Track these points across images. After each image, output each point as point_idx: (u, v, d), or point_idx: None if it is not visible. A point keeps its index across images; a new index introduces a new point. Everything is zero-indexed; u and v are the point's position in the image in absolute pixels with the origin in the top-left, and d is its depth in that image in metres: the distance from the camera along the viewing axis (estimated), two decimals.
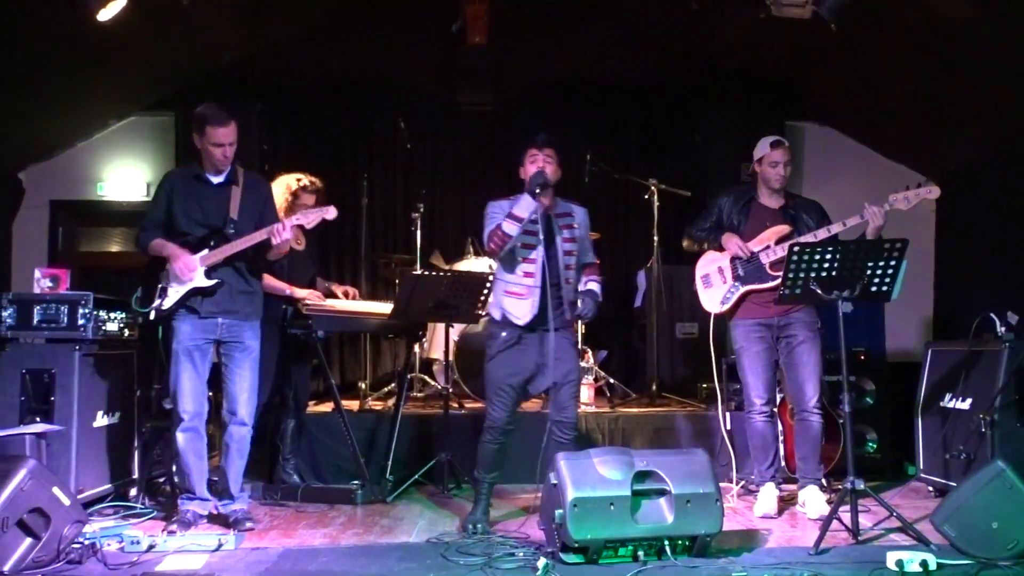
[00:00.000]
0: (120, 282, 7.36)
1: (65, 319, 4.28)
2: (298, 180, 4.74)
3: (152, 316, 3.93)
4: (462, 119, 7.13)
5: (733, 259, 4.36)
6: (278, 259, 4.07)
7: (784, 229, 4.30)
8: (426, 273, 4.87)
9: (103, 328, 4.46)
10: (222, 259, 3.88)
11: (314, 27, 7.06)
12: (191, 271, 3.85)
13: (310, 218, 3.92)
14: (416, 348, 6.00)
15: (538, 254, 3.84)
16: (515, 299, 3.89)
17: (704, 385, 5.74)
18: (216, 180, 3.98)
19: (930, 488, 4.66)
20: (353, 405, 5.69)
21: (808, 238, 4.13)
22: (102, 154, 7.25)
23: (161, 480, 4.79)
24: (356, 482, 4.63)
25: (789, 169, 4.36)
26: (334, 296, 5.00)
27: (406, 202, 6.80)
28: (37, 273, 4.48)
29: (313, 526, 4.11)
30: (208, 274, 3.88)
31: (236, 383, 3.97)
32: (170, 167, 7.14)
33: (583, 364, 5.80)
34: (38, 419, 4.12)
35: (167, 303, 3.89)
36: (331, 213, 3.95)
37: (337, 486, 4.76)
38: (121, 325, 4.63)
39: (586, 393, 5.65)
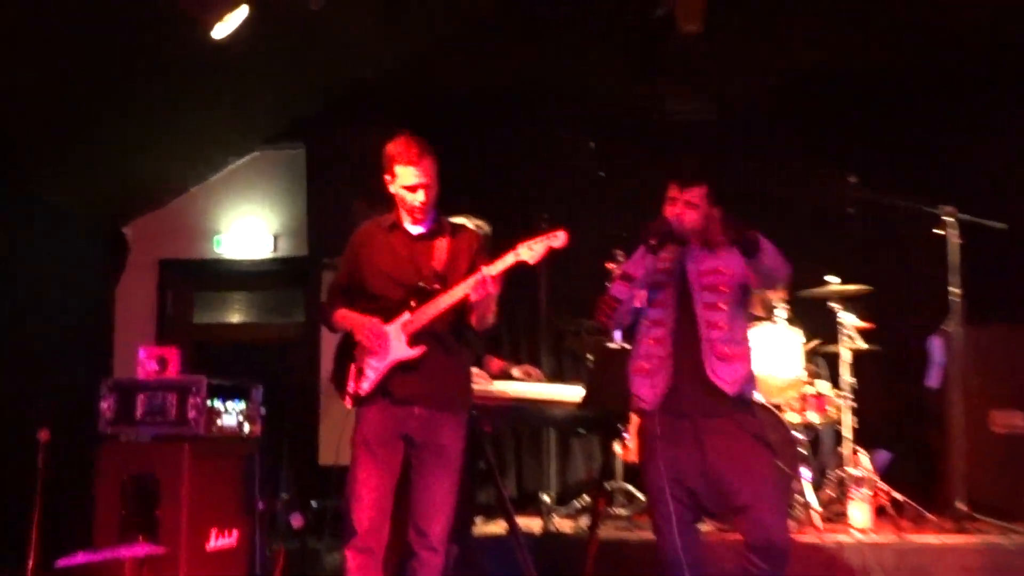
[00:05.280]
0: (242, 361, 7.82)
1: (173, 411, 4.56)
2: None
3: (349, 404, 4.06)
4: (671, 134, 7.10)
5: None
6: (485, 329, 4.09)
7: None
8: (627, 347, 4.81)
9: (218, 422, 4.71)
10: (427, 322, 3.96)
11: (469, 29, 7.22)
12: (383, 342, 3.97)
13: (535, 251, 3.86)
14: (617, 448, 5.92)
15: (668, 316, 3.78)
16: (642, 377, 3.81)
17: None
18: (416, 231, 4.12)
19: None
20: (533, 525, 5.70)
21: None
22: (220, 200, 7.77)
23: None
24: None
25: None
26: (510, 378, 5.05)
27: (600, 249, 6.80)
28: (141, 353, 4.81)
29: None
30: (412, 343, 3.98)
31: (428, 495, 4.01)
32: (301, 211, 7.55)
33: (854, 471, 5.59)
34: (140, 537, 4.39)
35: (366, 384, 4.02)
36: (559, 239, 3.90)
37: None
38: (241, 418, 4.87)
39: (861, 513, 5.38)
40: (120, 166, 6.92)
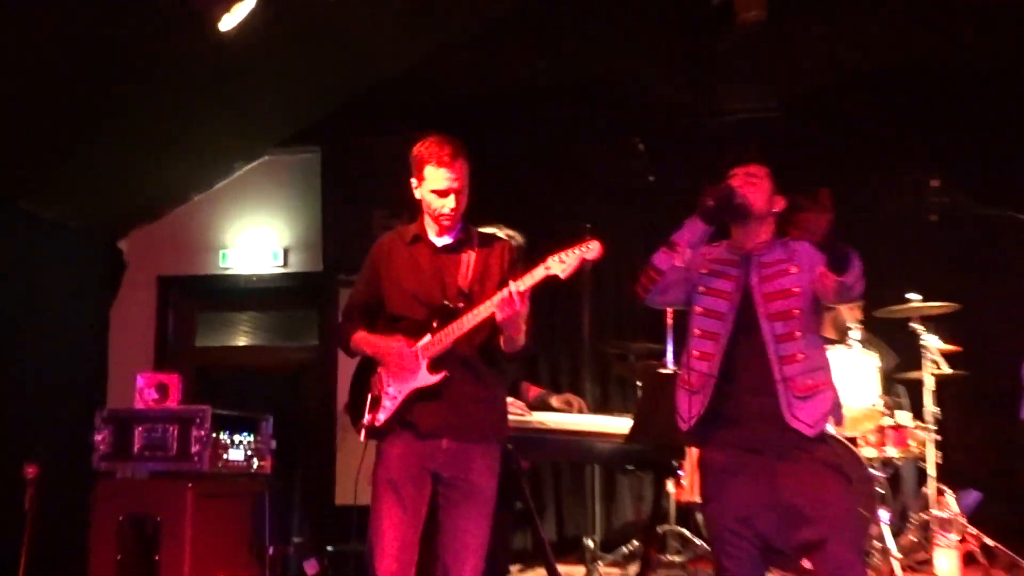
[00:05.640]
0: (250, 389, 7.85)
1: (175, 444, 4.58)
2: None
3: (363, 436, 4.05)
4: (729, 135, 7.09)
5: None
6: (515, 351, 4.07)
7: None
8: (680, 371, 4.79)
9: (224, 456, 4.73)
10: (449, 344, 3.95)
11: (502, 23, 7.23)
12: (407, 367, 3.99)
13: (567, 263, 3.77)
14: (670, 487, 5.91)
15: (722, 329, 3.71)
16: (686, 393, 3.76)
17: None
18: (442, 242, 4.14)
19: None
20: (576, 573, 5.67)
21: None
22: (225, 210, 7.82)
23: None
24: None
25: None
26: (549, 408, 5.04)
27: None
28: (139, 381, 4.84)
29: None
30: (432, 368, 3.96)
31: (458, 538, 3.99)
32: (315, 221, 7.58)
33: (939, 513, 5.56)
34: None
35: (383, 415, 4.01)
36: (593, 251, 3.81)
37: None
38: (249, 453, 4.88)
39: (948, 561, 5.36)
40: (116, 173, 6.97)
